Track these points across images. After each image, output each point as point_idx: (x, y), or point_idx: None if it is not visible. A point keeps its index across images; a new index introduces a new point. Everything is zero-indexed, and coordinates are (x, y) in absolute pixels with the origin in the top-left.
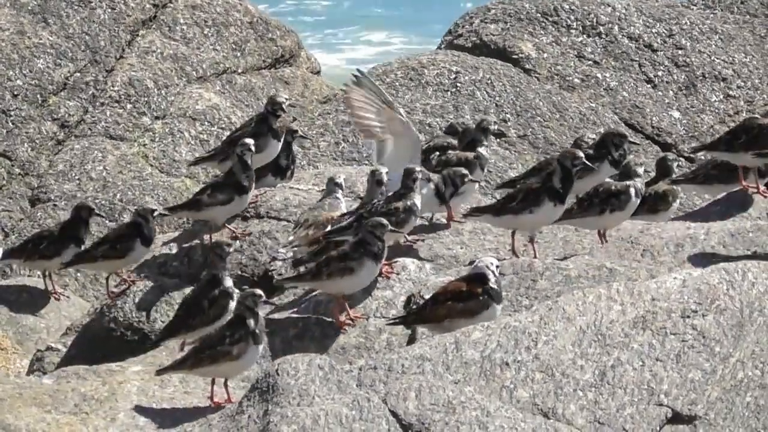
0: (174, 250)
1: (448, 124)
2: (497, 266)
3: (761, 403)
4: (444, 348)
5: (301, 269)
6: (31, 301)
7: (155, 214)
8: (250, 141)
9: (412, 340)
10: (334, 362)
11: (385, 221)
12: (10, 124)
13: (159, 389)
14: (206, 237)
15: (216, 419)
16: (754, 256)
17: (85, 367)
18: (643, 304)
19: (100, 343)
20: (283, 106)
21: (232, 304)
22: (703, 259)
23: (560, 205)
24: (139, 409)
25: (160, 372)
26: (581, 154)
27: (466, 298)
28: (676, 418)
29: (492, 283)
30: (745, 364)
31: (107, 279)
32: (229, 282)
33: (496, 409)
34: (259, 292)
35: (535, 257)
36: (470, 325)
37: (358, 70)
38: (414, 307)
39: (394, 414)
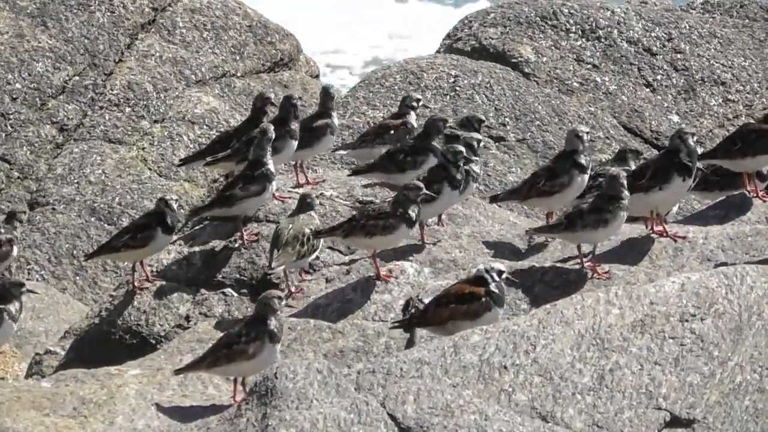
0: (173, 255)
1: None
2: (503, 272)
3: (760, 406)
4: (442, 352)
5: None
6: (29, 304)
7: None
8: (270, 127)
9: (410, 343)
10: (332, 366)
11: (420, 184)
12: (9, 127)
13: (157, 393)
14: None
15: (214, 422)
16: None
17: (84, 371)
18: (642, 308)
19: (99, 346)
20: (272, 100)
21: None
22: (702, 263)
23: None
24: (138, 413)
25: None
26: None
27: (469, 300)
28: (675, 422)
29: (493, 287)
30: (743, 368)
31: (133, 269)
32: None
33: (495, 413)
34: (279, 293)
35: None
36: (472, 328)
37: None
38: (413, 310)
39: (392, 417)
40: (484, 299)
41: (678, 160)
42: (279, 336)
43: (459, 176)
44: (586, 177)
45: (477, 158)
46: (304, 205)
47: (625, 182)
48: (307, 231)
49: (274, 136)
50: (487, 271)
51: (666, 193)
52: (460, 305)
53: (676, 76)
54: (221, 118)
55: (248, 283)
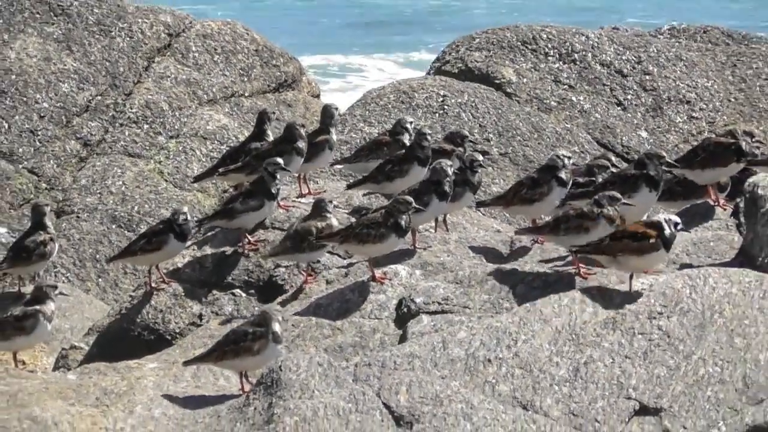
0: (186, 259)
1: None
2: (678, 223)
3: (721, 396)
4: (432, 346)
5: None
6: (56, 304)
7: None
8: (280, 160)
9: (403, 339)
10: (332, 359)
11: (410, 198)
12: (38, 142)
13: (173, 384)
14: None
15: (225, 411)
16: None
17: (106, 364)
18: (614, 306)
19: (119, 342)
20: (269, 115)
21: None
22: (668, 266)
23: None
24: (155, 402)
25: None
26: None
27: (641, 239)
28: (644, 411)
29: (666, 233)
30: (706, 361)
31: (150, 272)
32: None
33: (480, 402)
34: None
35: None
36: (639, 264)
37: None
38: (405, 309)
39: (387, 406)
40: (653, 240)
41: (646, 172)
42: (282, 337)
43: (447, 189)
44: (565, 190)
45: (478, 172)
46: (317, 209)
47: (611, 198)
48: (314, 230)
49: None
50: (665, 220)
51: (634, 201)
52: (633, 241)
53: (644, 95)
54: (231, 134)
55: (255, 284)
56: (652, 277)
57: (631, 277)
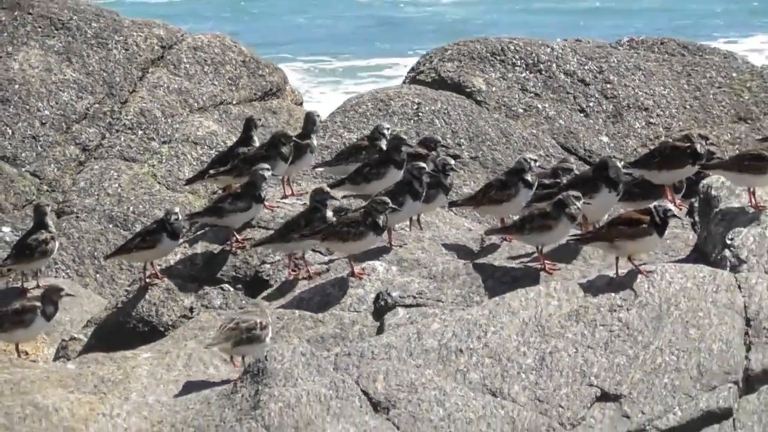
0: (178, 256)
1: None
2: (669, 210)
3: (676, 383)
4: (408, 337)
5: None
6: (63, 296)
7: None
8: (267, 166)
9: (380, 330)
10: (314, 350)
11: (386, 199)
12: (39, 147)
13: (166, 373)
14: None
15: (214, 397)
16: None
17: (103, 354)
18: (577, 299)
19: (116, 333)
20: (256, 122)
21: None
22: (627, 262)
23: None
24: (149, 389)
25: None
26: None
27: (635, 224)
28: (605, 397)
29: (658, 219)
30: (663, 350)
31: (144, 268)
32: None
33: (452, 389)
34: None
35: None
36: (635, 249)
37: None
38: (382, 303)
39: (365, 393)
40: (646, 225)
41: (606, 174)
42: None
43: (420, 190)
44: (531, 192)
45: (450, 175)
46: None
47: (577, 200)
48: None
49: (268, 176)
50: (655, 207)
51: (594, 202)
52: (627, 227)
53: (605, 103)
54: (219, 139)
55: (243, 279)
56: (613, 272)
57: (617, 260)
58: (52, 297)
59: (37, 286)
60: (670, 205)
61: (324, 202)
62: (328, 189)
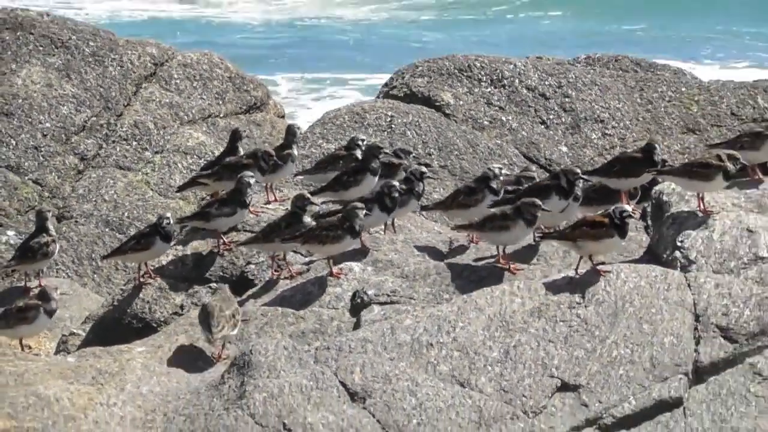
0: (170, 257)
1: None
2: (626, 212)
3: (631, 375)
4: (382, 332)
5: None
6: (60, 296)
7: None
8: (251, 174)
9: (357, 326)
10: (295, 344)
11: (361, 205)
12: (41, 157)
13: (158, 365)
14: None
15: (203, 388)
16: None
17: (100, 348)
18: (539, 297)
19: (112, 329)
20: (241, 134)
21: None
22: (585, 262)
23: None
24: (143, 380)
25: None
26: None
27: (596, 226)
28: (564, 387)
29: (617, 221)
30: (618, 344)
31: (138, 268)
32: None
33: (423, 380)
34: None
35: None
36: (595, 248)
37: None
38: (359, 300)
39: (343, 384)
40: (605, 228)
41: (558, 183)
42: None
43: (390, 205)
44: (497, 198)
45: (423, 182)
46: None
47: (536, 207)
48: (282, 224)
49: (252, 182)
50: (613, 210)
51: (545, 207)
52: (590, 228)
53: (564, 115)
54: (208, 149)
55: (229, 279)
56: (572, 272)
57: (580, 260)
58: (50, 294)
59: (39, 286)
60: (627, 207)
61: (304, 208)
62: (309, 195)
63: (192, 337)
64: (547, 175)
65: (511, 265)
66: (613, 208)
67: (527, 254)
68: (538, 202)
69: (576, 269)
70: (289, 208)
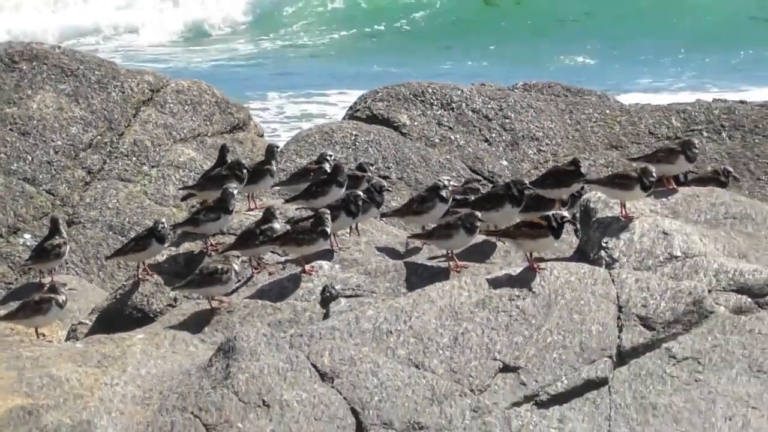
0: (165, 257)
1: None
2: (565, 217)
3: (563, 358)
4: (348, 321)
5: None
6: (68, 290)
7: (164, 225)
8: (234, 185)
9: (326, 316)
10: (273, 332)
11: (328, 211)
12: (53, 171)
13: (155, 350)
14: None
15: (194, 370)
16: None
17: (105, 336)
18: (483, 291)
19: (115, 319)
20: (228, 148)
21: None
22: (523, 261)
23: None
24: (142, 364)
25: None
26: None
27: (534, 227)
28: (506, 369)
29: (554, 224)
30: (552, 332)
31: (138, 266)
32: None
33: (383, 363)
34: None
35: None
36: (533, 246)
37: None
38: (328, 294)
39: (314, 366)
40: (543, 229)
41: (510, 192)
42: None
43: (354, 210)
44: (446, 206)
45: (384, 194)
46: (267, 214)
47: (477, 218)
48: (257, 230)
49: (236, 193)
50: (552, 215)
51: (499, 214)
52: (529, 229)
53: (505, 134)
54: (197, 164)
55: None
56: (512, 269)
57: (528, 257)
58: (59, 289)
59: (52, 281)
60: (566, 214)
61: (274, 216)
62: (276, 208)
63: (184, 325)
64: (491, 185)
65: (458, 264)
66: (553, 212)
67: (473, 254)
68: (478, 213)
69: (530, 266)
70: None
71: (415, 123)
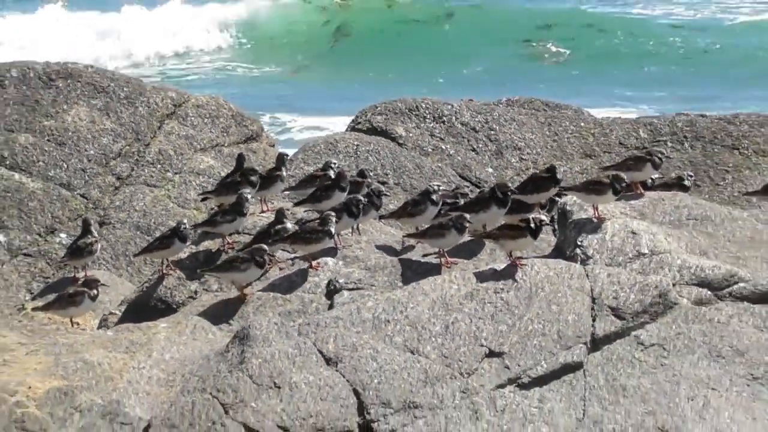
0: (186, 254)
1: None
2: (543, 221)
3: (543, 344)
4: (350, 312)
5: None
6: (100, 285)
7: (186, 225)
8: (248, 190)
9: (331, 307)
10: (283, 321)
11: (333, 213)
12: (87, 177)
13: (178, 337)
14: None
15: (212, 355)
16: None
17: (133, 324)
18: (471, 284)
19: (142, 309)
20: (245, 157)
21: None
22: (506, 258)
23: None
24: (166, 349)
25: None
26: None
27: (515, 229)
28: (491, 354)
29: (533, 226)
30: (533, 321)
31: (162, 263)
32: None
33: (382, 349)
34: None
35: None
36: (513, 246)
37: None
38: (332, 287)
39: (320, 352)
40: (522, 230)
41: (497, 195)
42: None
43: (356, 212)
44: (437, 209)
45: (382, 198)
46: (278, 216)
47: (465, 219)
48: (271, 231)
49: (249, 197)
50: (532, 218)
51: (486, 215)
52: (508, 230)
53: (490, 144)
54: (215, 171)
55: None
56: (497, 265)
57: (510, 255)
58: (92, 285)
59: (85, 276)
60: (545, 217)
61: (285, 217)
62: (286, 210)
63: (204, 315)
64: (479, 190)
65: (448, 260)
66: (533, 215)
67: (462, 251)
68: (467, 215)
69: (512, 263)
70: (275, 217)
71: (410, 134)
